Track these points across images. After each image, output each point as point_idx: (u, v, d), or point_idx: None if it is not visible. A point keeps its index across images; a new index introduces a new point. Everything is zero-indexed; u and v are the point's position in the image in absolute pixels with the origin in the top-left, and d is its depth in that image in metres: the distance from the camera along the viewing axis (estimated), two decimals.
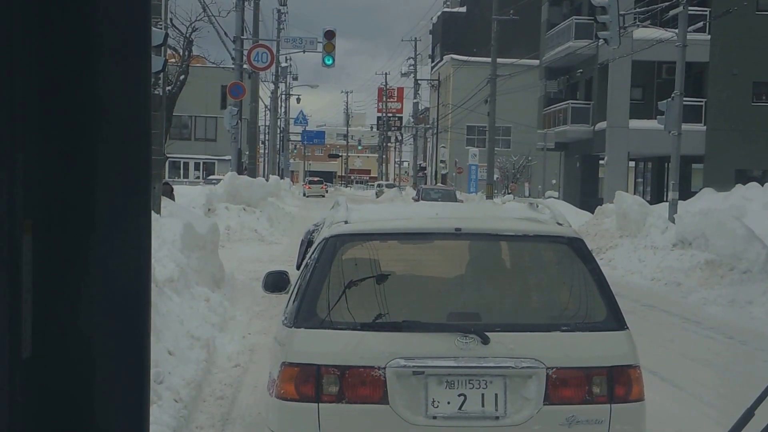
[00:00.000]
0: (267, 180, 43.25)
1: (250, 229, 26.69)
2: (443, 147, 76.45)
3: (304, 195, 74.02)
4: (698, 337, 12.85)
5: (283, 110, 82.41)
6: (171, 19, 23.42)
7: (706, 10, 35.67)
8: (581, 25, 43.51)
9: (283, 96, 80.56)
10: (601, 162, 45.18)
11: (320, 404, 4.81)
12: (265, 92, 61.90)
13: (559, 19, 47.75)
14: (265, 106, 66.78)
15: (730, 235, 18.68)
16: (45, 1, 1.11)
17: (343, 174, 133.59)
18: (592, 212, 28.34)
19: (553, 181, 55.74)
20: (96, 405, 1.16)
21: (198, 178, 65.18)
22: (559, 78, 48.78)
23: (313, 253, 5.45)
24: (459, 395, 4.85)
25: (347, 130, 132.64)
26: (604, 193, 41.56)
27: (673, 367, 10.63)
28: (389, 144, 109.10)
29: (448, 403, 4.84)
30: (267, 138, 73.02)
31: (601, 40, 28.23)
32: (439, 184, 64.34)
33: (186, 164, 69.51)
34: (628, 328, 5.07)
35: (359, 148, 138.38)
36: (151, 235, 1.20)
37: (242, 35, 34.08)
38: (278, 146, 74.92)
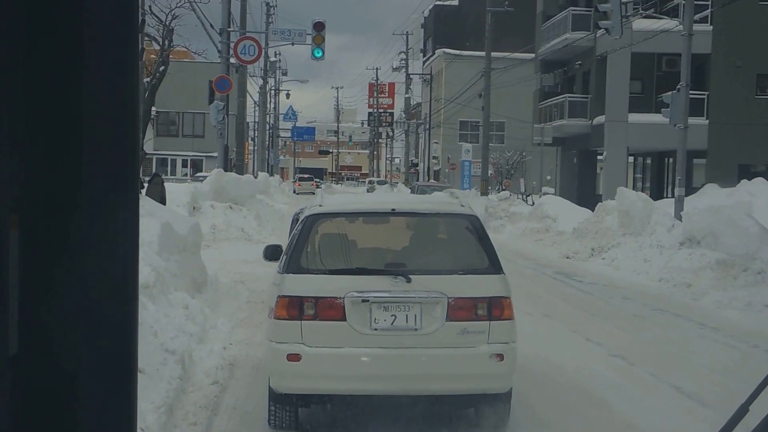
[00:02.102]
0: (256, 177, 42.34)
1: (236, 228, 25.81)
2: (435, 143, 75.38)
3: (294, 192, 73.16)
4: (720, 346, 11.86)
5: (272, 106, 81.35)
6: (149, 6, 22.31)
7: (708, 0, 34.56)
8: (578, 17, 42.56)
9: (272, 91, 79.53)
10: (599, 157, 44.16)
11: (302, 321, 7.28)
12: (253, 87, 60.98)
13: (555, 11, 46.66)
14: (254, 102, 65.74)
15: (742, 234, 17.80)
16: None
17: (334, 171, 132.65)
18: (591, 209, 27.29)
19: (548, 177, 54.68)
20: (82, 401, 1.15)
21: (186, 175, 64.22)
22: (556, 71, 47.74)
23: (298, 226, 7.96)
24: (391, 315, 7.32)
25: (338, 126, 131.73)
26: (602, 190, 40.57)
27: (698, 381, 9.67)
28: (380, 140, 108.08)
29: (384, 320, 7.32)
30: (256, 134, 71.94)
31: (598, 31, 27.28)
32: (432, 181, 63.55)
33: (173, 161, 68.55)
34: (504, 273, 7.55)
35: (350, 144, 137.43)
36: (138, 229, 1.18)
37: (229, 27, 32.93)
38: (267, 142, 73.83)
